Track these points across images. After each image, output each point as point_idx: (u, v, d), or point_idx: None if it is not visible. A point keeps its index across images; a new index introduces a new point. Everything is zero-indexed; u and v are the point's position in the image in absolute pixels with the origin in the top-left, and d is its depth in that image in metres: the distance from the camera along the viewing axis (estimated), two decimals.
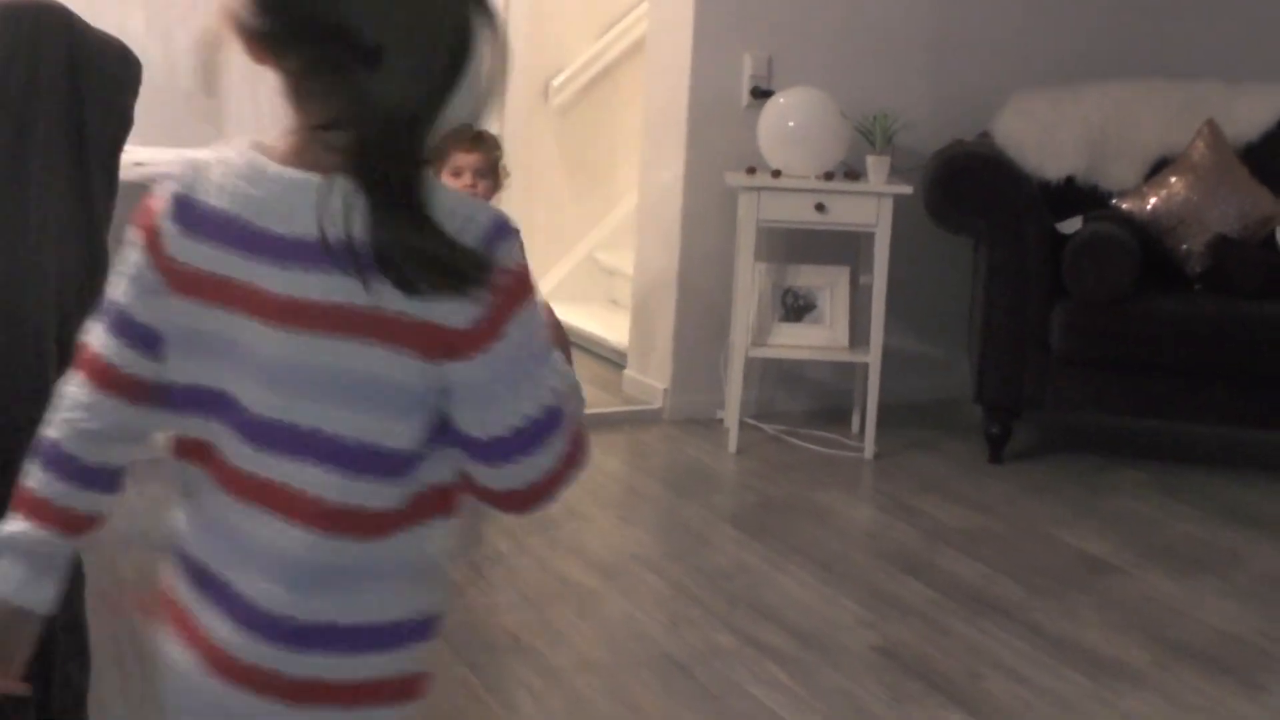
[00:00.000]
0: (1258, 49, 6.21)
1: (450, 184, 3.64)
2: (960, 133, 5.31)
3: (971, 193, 4.88)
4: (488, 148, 4.01)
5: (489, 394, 1.41)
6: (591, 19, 6.61)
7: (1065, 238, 4.80)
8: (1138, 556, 4.18)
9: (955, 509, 4.48)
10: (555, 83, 6.53)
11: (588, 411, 4.91)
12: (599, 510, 4.32)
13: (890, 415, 5.17)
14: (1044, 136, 5.19)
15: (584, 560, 3.93)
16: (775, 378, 5.33)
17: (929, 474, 4.82)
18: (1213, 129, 5.26)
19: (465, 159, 3.92)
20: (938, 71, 5.54)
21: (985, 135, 5.25)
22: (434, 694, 2.97)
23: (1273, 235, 5.15)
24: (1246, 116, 5.41)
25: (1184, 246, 5.09)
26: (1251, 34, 6.22)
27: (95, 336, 1.50)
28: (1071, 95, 5.36)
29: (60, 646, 2.45)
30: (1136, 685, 3.36)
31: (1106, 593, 3.90)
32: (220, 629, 1.46)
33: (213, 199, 1.41)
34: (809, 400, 5.44)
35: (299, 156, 1.39)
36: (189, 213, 1.42)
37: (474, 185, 3.94)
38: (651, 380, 5.38)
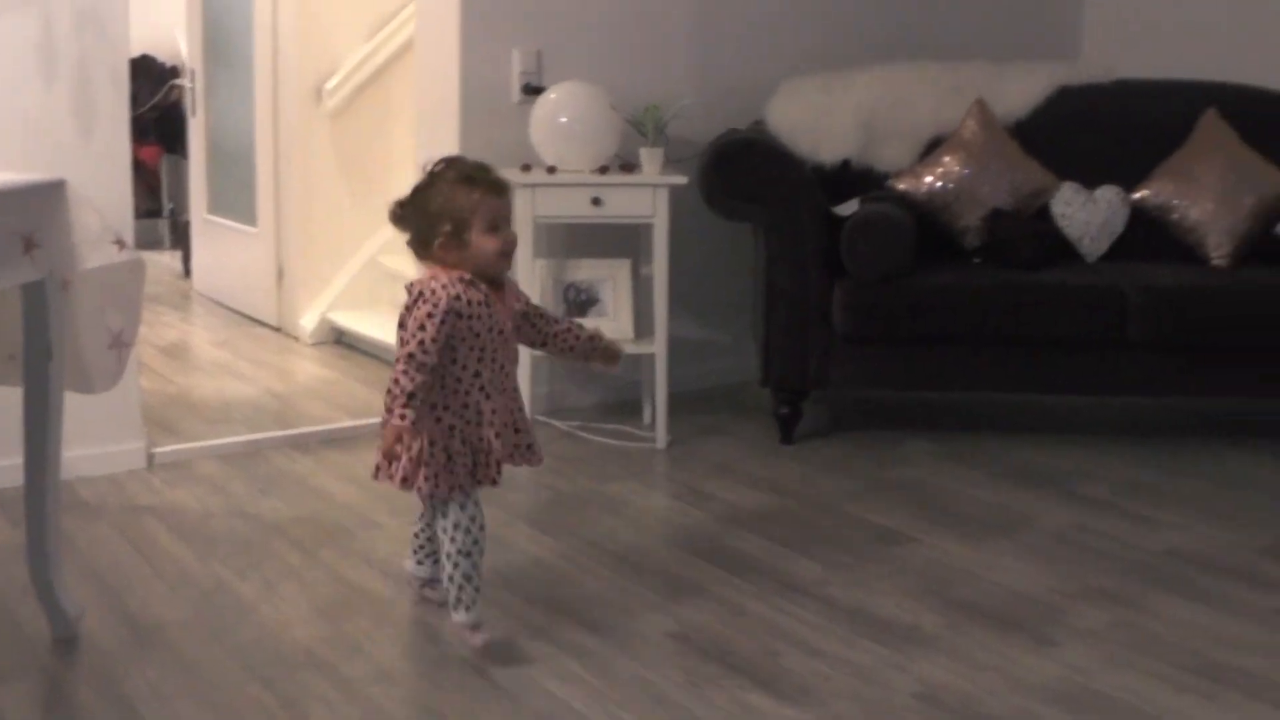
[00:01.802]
0: (1024, 30, 6.38)
1: (490, 244, 3.26)
2: (735, 121, 5.34)
3: (746, 180, 4.91)
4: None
5: None
6: (362, 20, 6.52)
7: (842, 220, 4.85)
8: (929, 524, 4.24)
9: (748, 491, 4.50)
10: (328, 86, 6.42)
11: (376, 420, 4.84)
12: (391, 518, 4.24)
13: (681, 403, 5.19)
14: (817, 121, 5.25)
15: (378, 568, 3.86)
16: (565, 374, 5.31)
17: (721, 459, 4.83)
18: (982, 108, 5.36)
19: (500, 206, 3.33)
20: (709, 61, 5.56)
21: (759, 123, 5.29)
22: (228, 714, 2.89)
23: (1046, 207, 5.28)
24: (1015, 95, 5.54)
25: (960, 222, 5.19)
26: (1018, 15, 6.38)
27: None
28: (843, 80, 5.42)
29: None
30: (931, 649, 3.40)
31: (899, 562, 3.95)
32: None
33: None
34: (600, 394, 5.43)
35: None
36: None
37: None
38: None
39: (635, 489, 4.54)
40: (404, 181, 5.95)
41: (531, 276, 4.87)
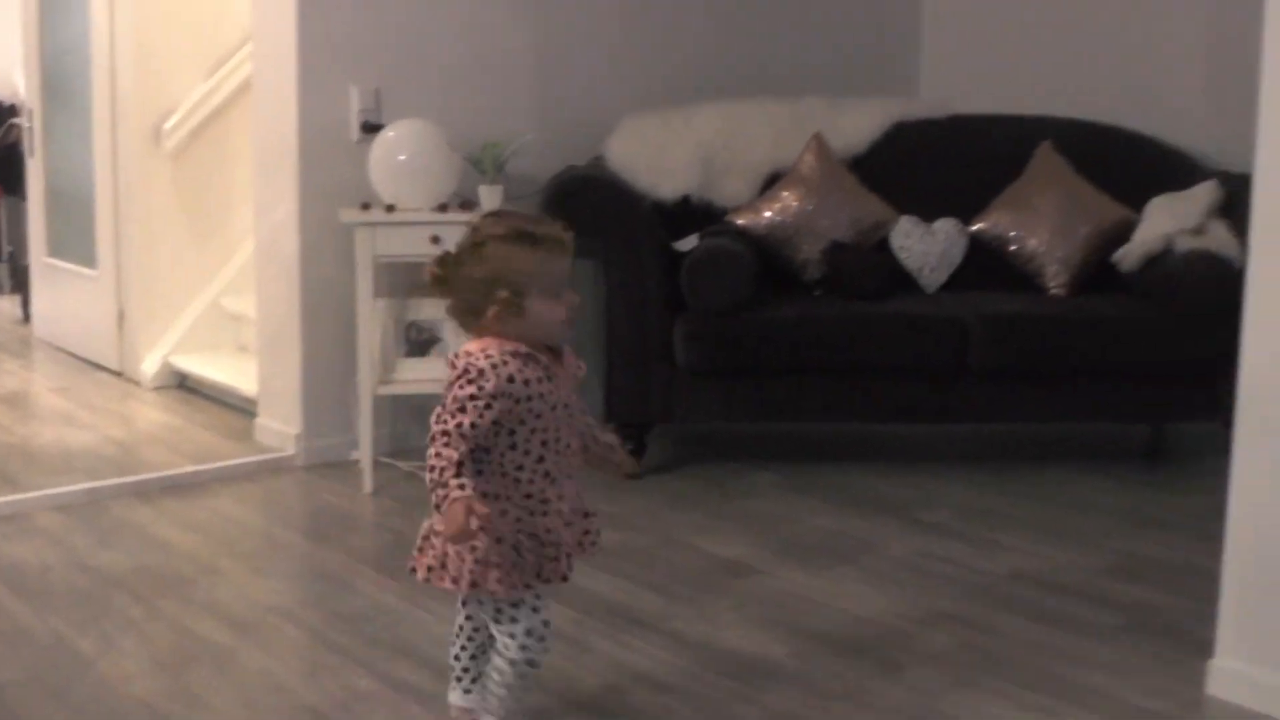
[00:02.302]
0: (863, 66, 6.46)
1: (554, 312, 2.85)
2: (575, 158, 5.34)
3: (585, 216, 4.88)
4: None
5: None
6: (201, 58, 6.43)
7: (683, 255, 4.87)
8: (774, 555, 4.26)
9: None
10: (167, 126, 6.33)
11: (218, 465, 4.76)
12: (233, 564, 4.18)
13: None
14: (656, 157, 5.28)
15: (219, 617, 3.78)
16: (408, 413, 5.25)
17: None
18: (820, 143, 5.43)
19: (563, 267, 2.94)
20: (549, 98, 5.56)
21: (599, 159, 5.30)
22: None
23: (885, 240, 5.34)
24: (853, 130, 5.62)
25: (800, 255, 5.24)
26: (857, 52, 6.46)
27: None
28: (682, 116, 5.46)
29: None
30: (778, 679, 3.40)
31: (745, 593, 3.95)
32: None
33: None
34: None
35: None
36: None
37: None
38: (283, 426, 5.25)
39: None
40: (248, 221, 5.97)
41: (372, 317, 4.83)
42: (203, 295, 6.49)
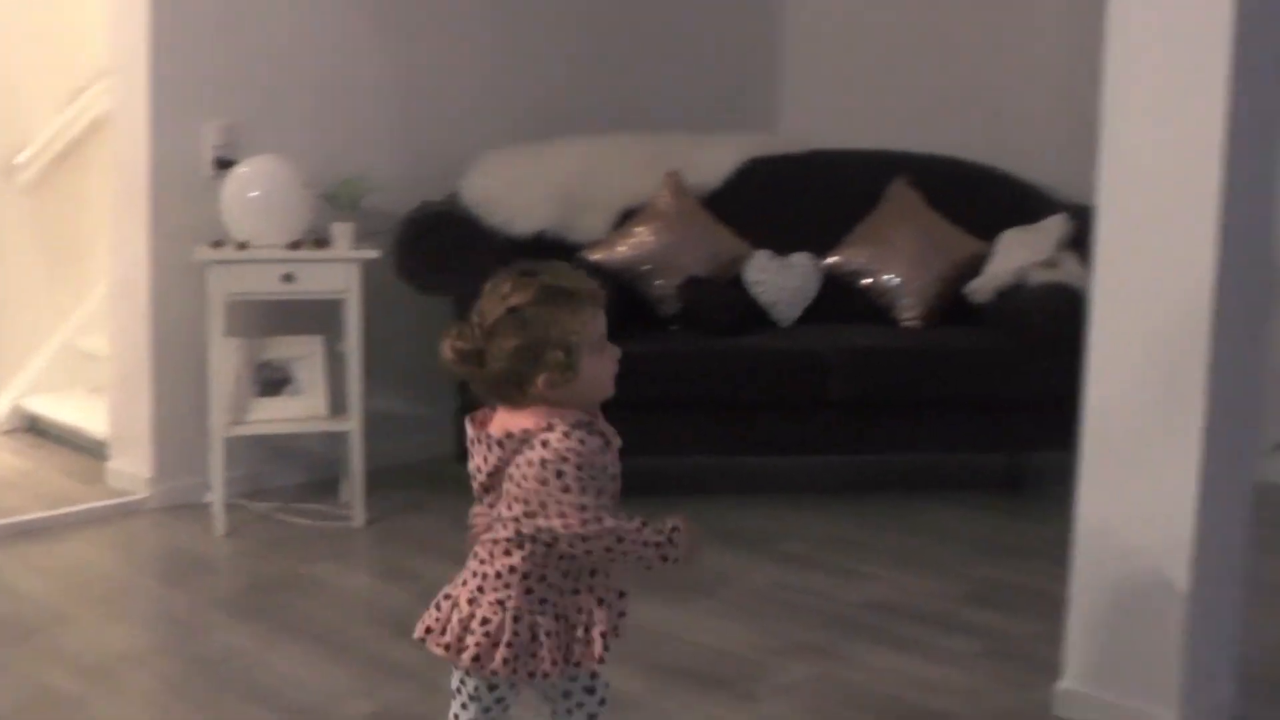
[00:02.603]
0: (723, 103, 6.51)
1: (605, 366, 2.70)
2: (433, 195, 5.31)
3: (438, 253, 4.90)
4: None
5: None
6: (56, 91, 6.30)
7: None
8: (631, 589, 4.22)
9: (450, 567, 4.35)
10: (19, 160, 6.20)
11: (69, 509, 4.66)
12: (84, 610, 4.10)
13: (383, 479, 5.12)
14: (512, 193, 5.26)
15: (68, 666, 3.69)
16: (264, 453, 5.19)
17: (421, 535, 4.77)
18: (675, 178, 5.45)
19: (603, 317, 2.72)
20: (407, 134, 5.53)
21: (454, 195, 5.28)
22: None
23: (741, 274, 5.37)
24: (709, 165, 5.65)
25: (656, 291, 5.26)
26: (716, 89, 6.51)
27: None
28: (539, 152, 5.47)
29: None
30: (634, 712, 3.40)
31: None
32: None
33: None
34: (301, 473, 5.32)
35: None
36: None
37: None
38: (135, 468, 5.15)
39: (334, 569, 4.46)
40: (103, 259, 5.83)
41: (224, 356, 4.77)
42: (56, 335, 6.36)
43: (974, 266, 5.41)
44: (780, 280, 5.38)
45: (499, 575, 2.51)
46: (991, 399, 5.06)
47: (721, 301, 5.20)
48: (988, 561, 4.59)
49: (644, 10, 6.33)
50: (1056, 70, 5.97)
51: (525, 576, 2.51)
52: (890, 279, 5.39)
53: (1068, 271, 5.16)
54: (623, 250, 5.27)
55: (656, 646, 3.81)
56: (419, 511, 5.03)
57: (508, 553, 2.50)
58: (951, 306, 5.41)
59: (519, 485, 2.46)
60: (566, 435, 2.46)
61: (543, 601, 2.53)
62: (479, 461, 2.54)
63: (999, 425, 5.13)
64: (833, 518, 5.01)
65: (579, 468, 2.46)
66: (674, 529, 2.53)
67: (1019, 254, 5.33)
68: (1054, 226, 5.39)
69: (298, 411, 4.93)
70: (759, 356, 4.97)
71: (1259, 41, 3.06)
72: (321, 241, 4.86)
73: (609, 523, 2.47)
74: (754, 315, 5.29)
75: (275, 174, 4.80)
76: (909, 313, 5.36)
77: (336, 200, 4.91)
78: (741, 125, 6.34)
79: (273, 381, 4.92)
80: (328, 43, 5.32)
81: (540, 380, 2.48)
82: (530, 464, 2.45)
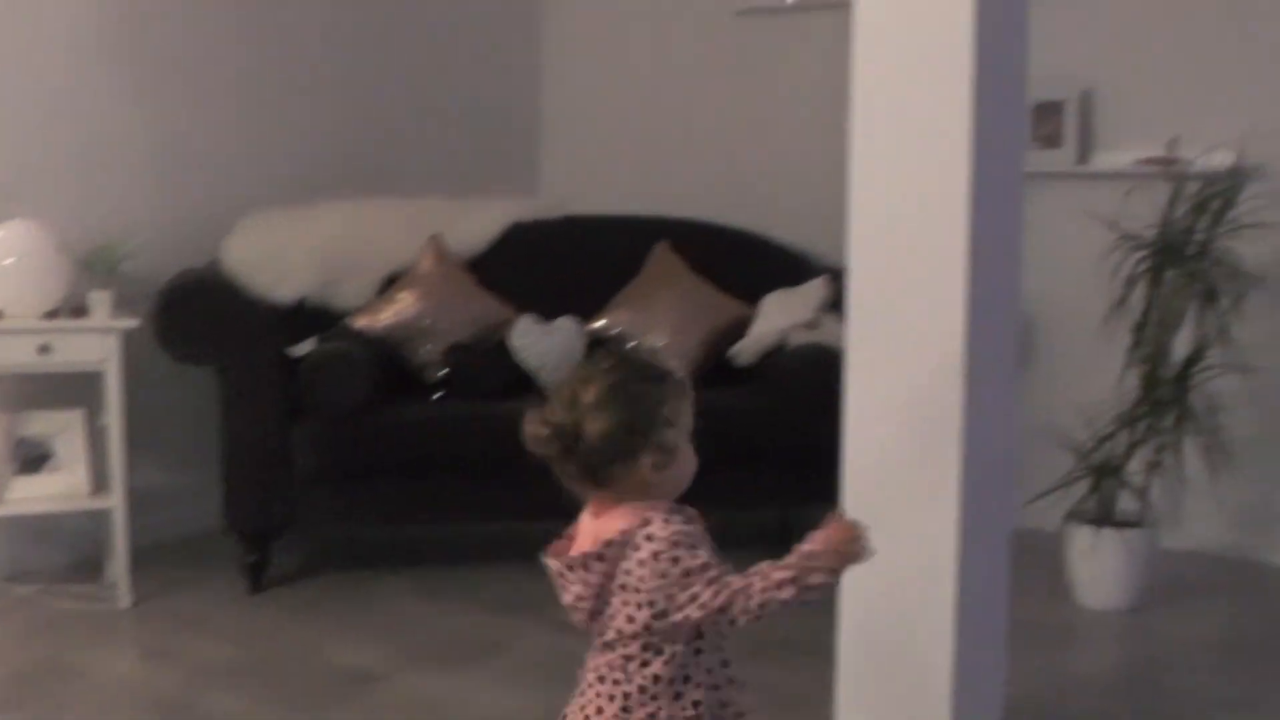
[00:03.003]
0: (484, 167, 6.55)
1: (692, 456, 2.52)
2: (194, 260, 5.21)
3: (199, 321, 4.80)
4: None
5: None
6: None
7: (300, 358, 4.81)
8: (405, 660, 4.21)
9: (217, 645, 4.35)
10: None
11: None
12: None
13: (151, 556, 5.01)
14: (274, 259, 5.20)
15: None
16: (24, 534, 5.01)
17: (189, 613, 4.65)
18: (438, 243, 5.44)
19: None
20: (166, 198, 5.41)
21: (216, 261, 5.20)
22: None
23: (505, 339, 5.38)
24: (471, 230, 5.65)
25: (420, 357, 5.23)
26: (477, 154, 6.55)
27: None
28: (300, 216, 5.41)
29: None
30: None
31: (374, 702, 3.90)
32: None
33: None
34: (67, 553, 5.13)
35: None
36: None
37: None
38: None
39: (98, 654, 4.31)
40: None
41: None
42: None
43: (737, 329, 5.49)
44: (545, 344, 5.39)
45: (643, 690, 2.37)
46: (757, 459, 5.13)
47: (485, 366, 5.20)
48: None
49: (404, 75, 6.33)
50: (816, 135, 6.12)
51: (671, 683, 2.38)
52: (655, 342, 5.45)
53: (828, 332, 5.26)
54: (386, 316, 5.24)
55: (432, 715, 3.78)
56: (187, 589, 4.89)
57: (645, 664, 2.37)
58: (716, 369, 5.48)
59: (637, 590, 2.35)
60: (667, 522, 2.35)
61: (695, 704, 2.41)
62: (579, 590, 2.42)
63: (765, 484, 5.19)
64: None
65: (691, 549, 2.34)
66: (807, 551, 2.41)
67: (781, 316, 5.43)
68: (815, 289, 5.51)
69: (59, 489, 4.78)
70: (519, 421, 4.95)
71: (999, 105, 3.17)
72: (79, 310, 4.73)
73: (736, 582, 2.34)
74: (520, 380, 5.30)
75: (31, 240, 4.64)
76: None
77: (93, 266, 4.78)
78: (502, 190, 6.36)
79: (31, 458, 4.75)
80: (84, 104, 5.20)
81: (646, 461, 2.39)
82: (642, 564, 2.34)
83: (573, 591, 2.42)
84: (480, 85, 6.68)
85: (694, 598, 2.32)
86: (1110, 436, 4.77)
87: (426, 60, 6.42)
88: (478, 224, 5.68)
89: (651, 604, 2.33)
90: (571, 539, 2.49)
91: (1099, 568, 4.76)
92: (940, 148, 3.12)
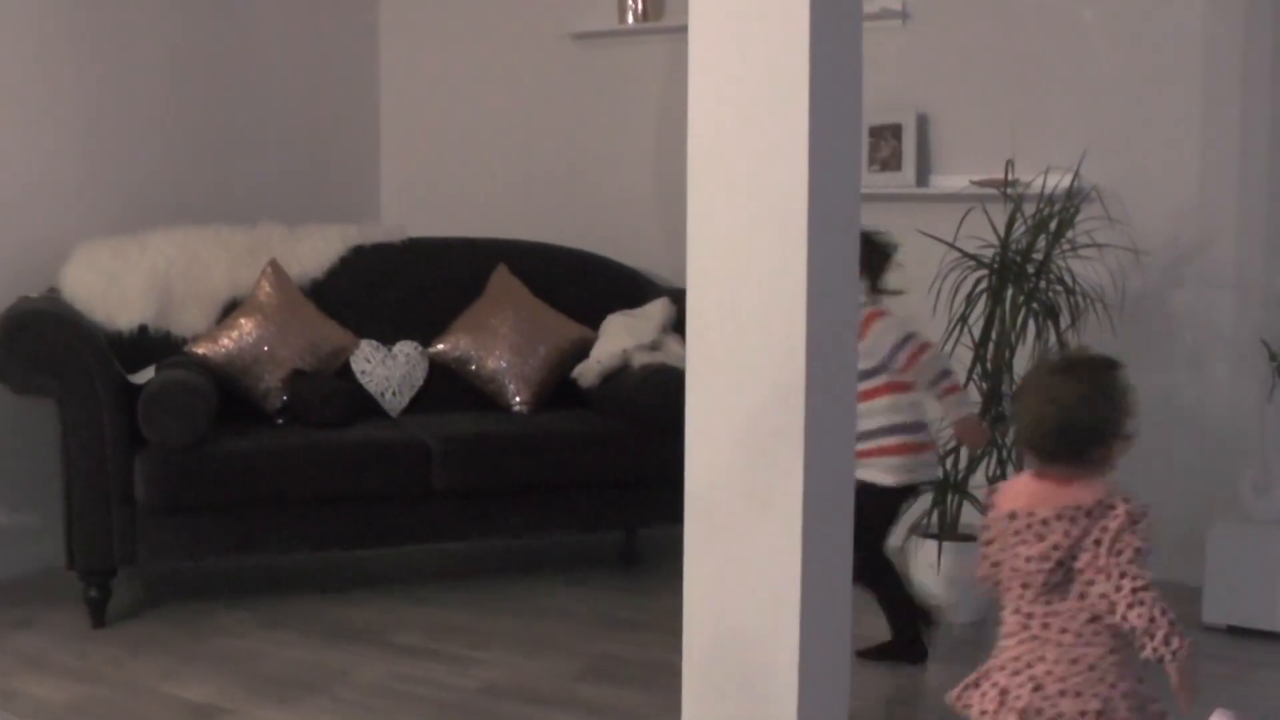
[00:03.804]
0: (319, 193, 6.49)
1: None
2: (30, 289, 5.13)
3: (35, 350, 4.68)
4: None
5: None
6: None
7: (140, 388, 4.73)
8: (245, 693, 4.15)
9: (58, 683, 4.25)
10: None
11: None
12: None
13: None
14: (111, 287, 5.14)
15: None
16: None
17: (30, 652, 4.52)
18: (277, 269, 5.39)
19: None
20: (1, 227, 5.31)
21: (53, 290, 5.11)
22: None
23: (347, 365, 5.34)
24: (310, 255, 5.61)
25: (261, 385, 5.18)
26: (316, 179, 6.50)
27: None
28: (137, 244, 5.34)
29: None
30: None
31: None
32: None
33: None
34: None
35: None
36: None
37: None
38: None
39: None
40: None
41: None
42: None
43: (580, 350, 5.52)
44: (385, 370, 5.38)
45: (1099, 663, 2.65)
46: (602, 479, 5.16)
47: (326, 394, 5.15)
48: (604, 637, 4.67)
49: (241, 101, 6.26)
50: (653, 158, 6.16)
51: (1128, 662, 2.66)
52: (497, 365, 5.45)
53: (670, 353, 5.31)
54: (226, 343, 5.17)
55: None
56: (28, 628, 4.75)
57: (1115, 634, 2.64)
58: (560, 391, 5.50)
59: (1115, 559, 2.63)
60: (1128, 500, 2.67)
61: (1139, 681, 2.67)
62: (1057, 539, 2.68)
63: (611, 504, 5.23)
64: (447, 607, 5.01)
65: (1145, 534, 2.64)
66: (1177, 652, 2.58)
67: (622, 337, 5.46)
68: (656, 310, 5.55)
69: None
70: (362, 448, 4.93)
71: (835, 127, 3.21)
72: None
73: (1156, 607, 2.59)
74: (362, 406, 5.26)
75: None
76: (516, 398, 5.43)
77: None
78: (340, 216, 6.31)
79: None
80: None
81: (1119, 445, 2.74)
82: (1118, 527, 2.65)
83: (1050, 541, 2.68)
84: (317, 110, 6.64)
85: (1131, 578, 2.60)
86: (953, 452, 4.84)
87: (263, 86, 6.36)
88: (316, 249, 5.64)
89: (1134, 578, 2.61)
90: (996, 504, 2.84)
91: (942, 582, 4.82)
92: (778, 169, 3.15)
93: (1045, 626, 2.69)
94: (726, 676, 3.35)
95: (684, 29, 3.27)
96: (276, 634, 4.71)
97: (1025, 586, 2.72)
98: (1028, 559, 2.69)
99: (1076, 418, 2.72)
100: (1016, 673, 2.70)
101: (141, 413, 4.63)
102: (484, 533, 5.17)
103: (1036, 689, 2.66)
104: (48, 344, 4.73)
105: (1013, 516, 2.74)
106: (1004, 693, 2.69)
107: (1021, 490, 2.79)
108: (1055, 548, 2.66)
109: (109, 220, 5.53)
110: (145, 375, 4.83)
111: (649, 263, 6.01)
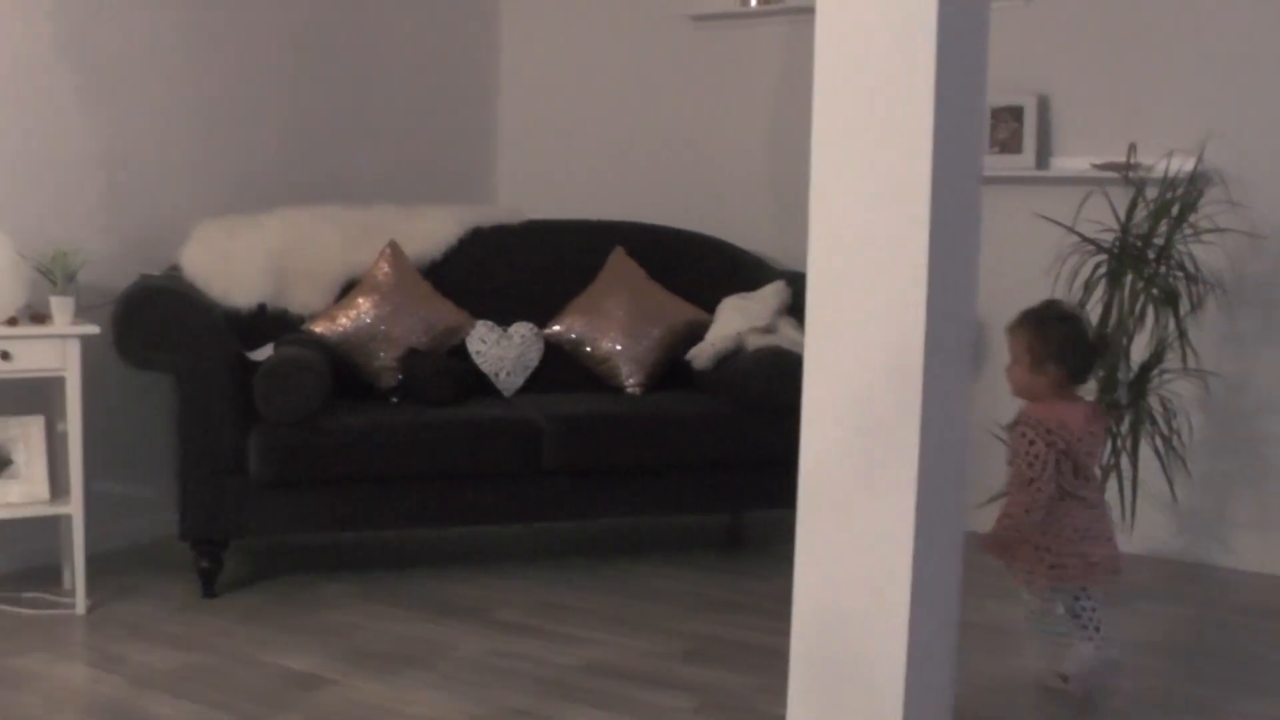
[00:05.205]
0: (436, 175, 6.53)
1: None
2: (151, 267, 5.23)
3: (155, 327, 4.76)
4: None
5: None
6: None
7: (257, 364, 4.78)
8: (347, 665, 4.20)
9: (166, 651, 4.33)
10: None
11: None
12: None
13: (107, 563, 5.03)
14: (229, 266, 5.20)
15: None
16: None
17: (141, 620, 4.64)
18: (395, 249, 5.43)
19: None
20: (122, 205, 5.42)
21: (174, 268, 5.19)
22: None
23: (462, 345, 5.36)
24: (427, 236, 5.64)
25: (376, 363, 5.23)
26: (430, 162, 6.54)
27: None
28: (255, 223, 5.40)
29: None
30: None
31: (316, 706, 3.90)
32: None
33: None
34: (19, 560, 5.13)
35: None
36: None
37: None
38: None
39: (49, 660, 4.28)
40: None
41: None
42: None
43: (694, 333, 5.51)
44: (500, 350, 5.40)
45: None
46: (712, 461, 5.14)
47: (440, 373, 5.19)
48: (706, 619, 4.66)
49: (361, 82, 6.33)
50: (771, 140, 6.12)
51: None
52: (610, 347, 5.44)
53: (784, 336, 5.28)
54: (343, 322, 5.23)
55: (374, 719, 3.76)
56: (141, 595, 4.88)
57: None
58: (672, 373, 5.49)
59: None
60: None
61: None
62: (1097, 444, 4.04)
63: (719, 487, 5.22)
64: (550, 584, 5.04)
65: None
66: None
67: (737, 320, 5.44)
68: (771, 293, 5.52)
69: (17, 495, 4.76)
70: (474, 426, 4.95)
71: (959, 109, 3.17)
72: (40, 317, 4.72)
73: None
74: (476, 386, 5.29)
75: None
76: (629, 380, 5.42)
77: (51, 274, 4.75)
78: (456, 199, 6.35)
79: None
80: (34, 111, 5.18)
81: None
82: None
83: (1100, 445, 4.07)
84: (435, 93, 6.69)
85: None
86: None
87: (381, 69, 6.43)
88: (434, 230, 5.67)
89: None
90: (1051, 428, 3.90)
91: None
92: (901, 151, 3.12)
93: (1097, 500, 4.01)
94: (834, 658, 3.33)
95: (803, 10, 3.27)
96: (380, 608, 4.76)
97: (1090, 477, 3.97)
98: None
99: (1096, 347, 4.07)
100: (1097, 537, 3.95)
101: (256, 389, 4.69)
102: (592, 513, 5.19)
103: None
104: (167, 320, 4.81)
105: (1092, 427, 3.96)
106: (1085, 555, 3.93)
107: (1067, 409, 3.93)
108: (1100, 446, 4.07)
109: (228, 201, 5.63)
110: (264, 352, 4.90)
111: (764, 245, 5.99)
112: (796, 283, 5.36)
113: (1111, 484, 4.87)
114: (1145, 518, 5.18)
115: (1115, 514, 4.83)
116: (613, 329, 5.49)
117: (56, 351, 4.67)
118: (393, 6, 6.47)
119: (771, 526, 5.62)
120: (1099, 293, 4.90)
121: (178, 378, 4.80)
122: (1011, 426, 3.93)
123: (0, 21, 5.06)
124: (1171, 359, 4.97)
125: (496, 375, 5.39)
